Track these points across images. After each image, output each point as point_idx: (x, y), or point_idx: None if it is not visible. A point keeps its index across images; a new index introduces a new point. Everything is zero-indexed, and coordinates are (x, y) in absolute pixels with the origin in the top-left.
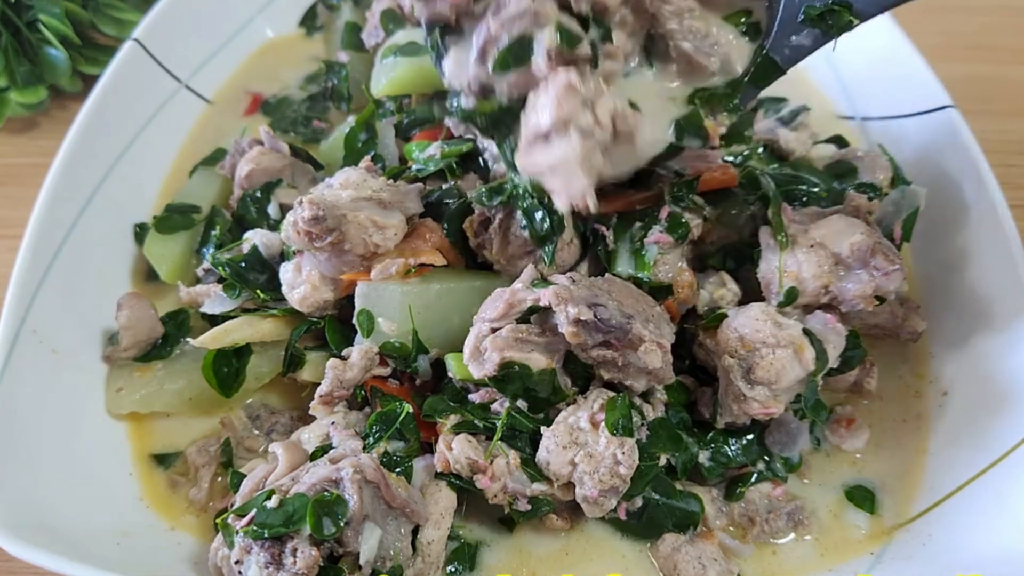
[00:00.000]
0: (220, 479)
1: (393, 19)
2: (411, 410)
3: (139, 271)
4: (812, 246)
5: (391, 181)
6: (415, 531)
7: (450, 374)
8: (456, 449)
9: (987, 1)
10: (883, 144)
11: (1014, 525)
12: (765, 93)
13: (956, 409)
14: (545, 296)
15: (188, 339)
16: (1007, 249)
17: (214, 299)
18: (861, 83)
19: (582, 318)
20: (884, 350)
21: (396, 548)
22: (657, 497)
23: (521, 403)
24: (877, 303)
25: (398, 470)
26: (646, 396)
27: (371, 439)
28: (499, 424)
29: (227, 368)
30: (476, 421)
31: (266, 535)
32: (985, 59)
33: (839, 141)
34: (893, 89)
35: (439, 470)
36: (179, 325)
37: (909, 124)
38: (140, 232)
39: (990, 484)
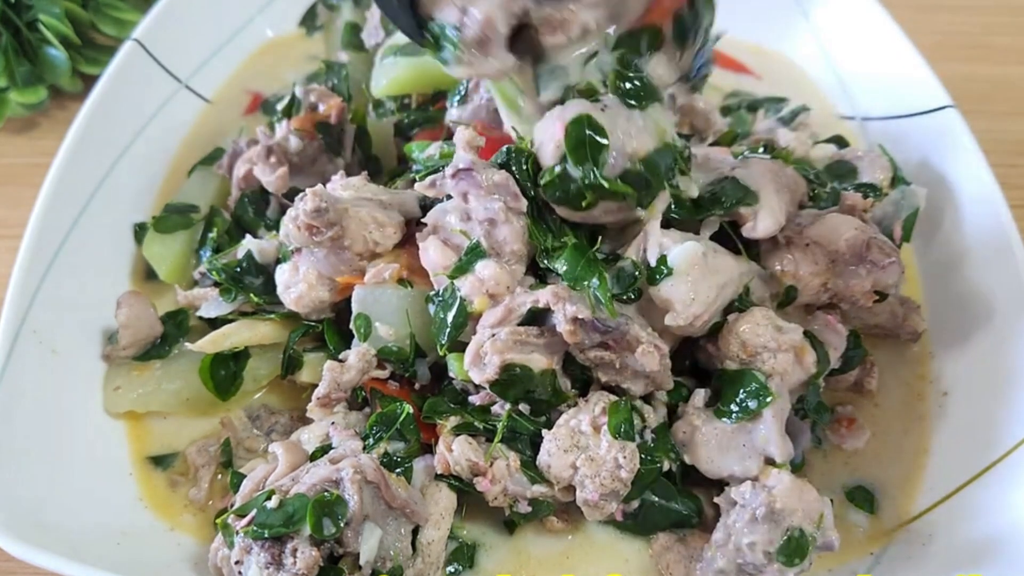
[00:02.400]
0: (220, 478)
1: None
2: (411, 411)
3: (138, 271)
4: (808, 245)
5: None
6: (415, 531)
7: (451, 374)
8: (456, 451)
9: (987, 1)
10: (883, 144)
11: (1014, 525)
12: (766, 92)
13: (956, 409)
14: (543, 296)
15: (186, 342)
16: (1007, 249)
17: (211, 303)
18: (861, 83)
19: (580, 316)
20: (884, 350)
21: (396, 548)
22: (655, 499)
23: (523, 406)
24: (877, 298)
25: (398, 471)
26: (647, 399)
27: (371, 440)
28: (499, 426)
29: (224, 372)
30: (476, 423)
31: (266, 535)
32: (985, 59)
33: (839, 141)
34: (893, 89)
35: (439, 472)
36: (178, 325)
37: (909, 124)
38: (139, 232)
39: (990, 484)
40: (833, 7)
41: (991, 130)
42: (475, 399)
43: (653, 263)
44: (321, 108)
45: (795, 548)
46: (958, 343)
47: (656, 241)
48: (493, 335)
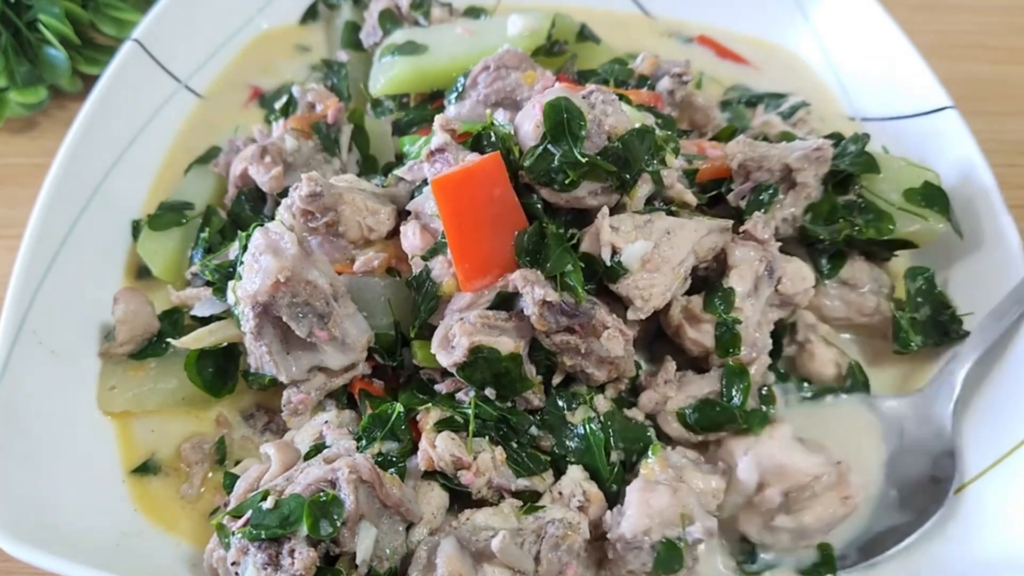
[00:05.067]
0: (211, 476)
1: (391, 19)
2: (403, 410)
3: (135, 268)
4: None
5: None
6: (407, 529)
7: (414, 362)
8: (440, 447)
9: (986, 1)
10: (883, 144)
11: (1015, 526)
12: (766, 88)
13: (956, 409)
14: (513, 279)
15: (169, 339)
16: (1006, 249)
17: (204, 302)
18: (861, 84)
19: (548, 299)
20: (884, 350)
21: (392, 547)
22: None
23: (489, 391)
24: None
25: (392, 470)
26: (602, 388)
27: (364, 441)
28: (470, 413)
29: (212, 368)
30: (457, 417)
31: (263, 536)
32: (985, 59)
33: (837, 138)
34: (893, 90)
35: (423, 468)
36: (174, 324)
37: (909, 125)
38: (136, 229)
39: (990, 485)
40: (832, 7)
41: (990, 130)
42: (441, 387)
43: (608, 262)
44: (318, 108)
45: (666, 559)
46: (956, 343)
47: (607, 240)
48: (461, 319)
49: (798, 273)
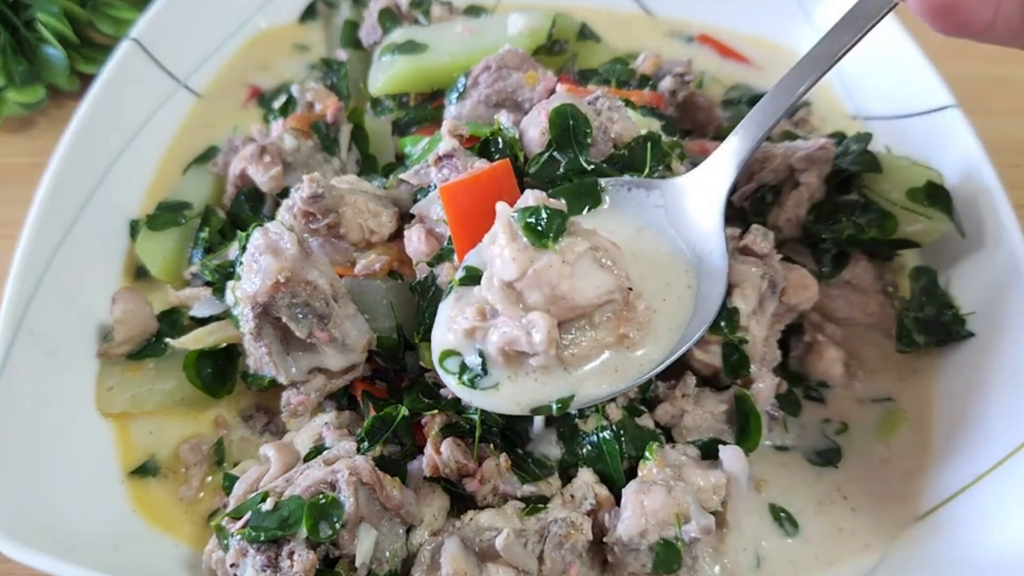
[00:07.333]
0: (210, 480)
1: (391, 17)
2: (407, 413)
3: (133, 268)
4: None
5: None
6: (408, 532)
7: (421, 363)
8: (445, 453)
9: None
10: (886, 144)
11: (1015, 527)
12: (768, 86)
13: (956, 411)
14: None
15: (168, 339)
16: (1009, 249)
17: (203, 302)
18: (863, 82)
19: None
20: (888, 348)
21: (392, 549)
22: None
23: None
24: None
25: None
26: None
27: (367, 443)
28: (476, 420)
29: (211, 369)
30: (463, 423)
31: (262, 538)
32: (987, 59)
33: (840, 137)
34: (896, 89)
35: (428, 474)
36: (172, 324)
37: (911, 124)
38: (134, 229)
39: (991, 486)
40: (834, 6)
41: (993, 130)
42: (447, 391)
43: None
44: (318, 107)
45: (665, 559)
46: (958, 343)
47: None
48: None
49: (801, 282)
